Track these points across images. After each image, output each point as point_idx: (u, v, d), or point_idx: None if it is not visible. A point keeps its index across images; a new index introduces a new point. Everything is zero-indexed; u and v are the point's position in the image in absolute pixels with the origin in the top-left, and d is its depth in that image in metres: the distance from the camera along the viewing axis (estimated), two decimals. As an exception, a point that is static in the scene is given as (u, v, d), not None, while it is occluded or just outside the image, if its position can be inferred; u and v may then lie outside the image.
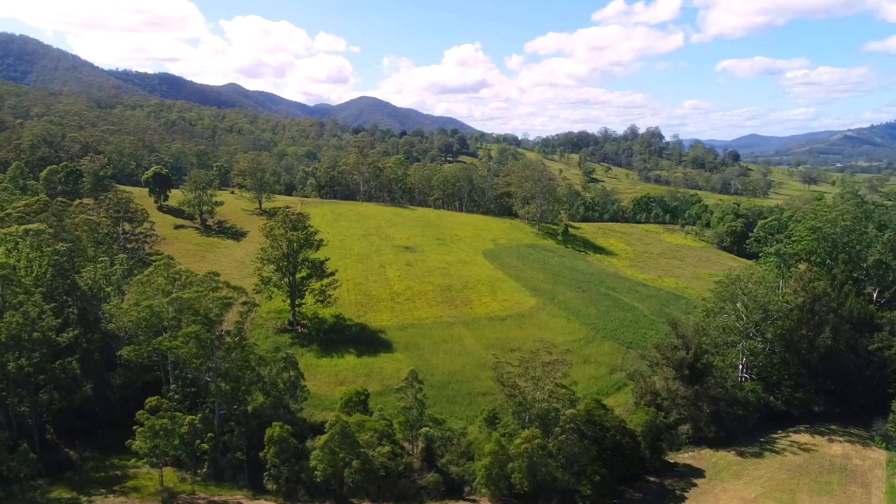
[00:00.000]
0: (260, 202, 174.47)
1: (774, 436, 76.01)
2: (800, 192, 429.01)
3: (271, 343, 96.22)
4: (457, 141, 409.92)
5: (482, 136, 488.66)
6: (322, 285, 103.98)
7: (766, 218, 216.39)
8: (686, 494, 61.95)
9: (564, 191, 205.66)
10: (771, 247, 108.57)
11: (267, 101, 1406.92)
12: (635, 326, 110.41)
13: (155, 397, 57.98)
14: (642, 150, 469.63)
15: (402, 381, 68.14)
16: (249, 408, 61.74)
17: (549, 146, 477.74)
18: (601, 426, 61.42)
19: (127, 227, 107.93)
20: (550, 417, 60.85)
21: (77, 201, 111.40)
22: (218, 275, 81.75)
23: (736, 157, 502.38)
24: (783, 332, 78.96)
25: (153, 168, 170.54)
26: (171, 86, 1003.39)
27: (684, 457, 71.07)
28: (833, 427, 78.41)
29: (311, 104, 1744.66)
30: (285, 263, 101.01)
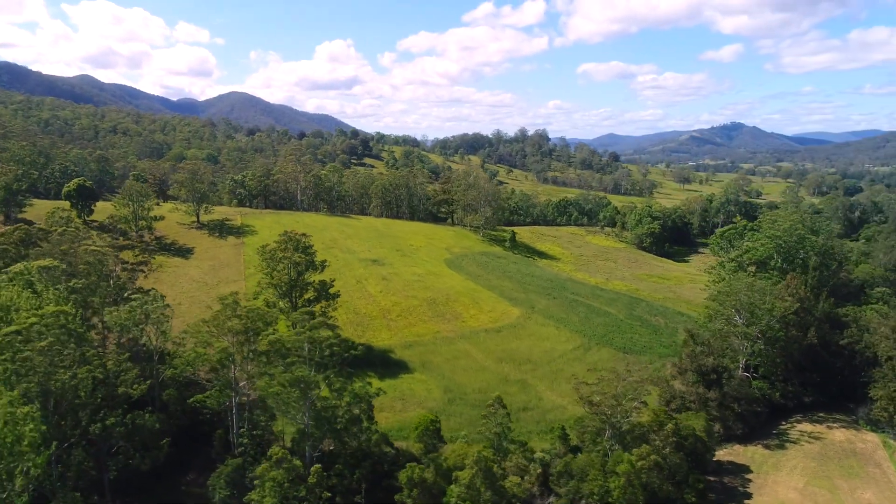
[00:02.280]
0: (198, 215, 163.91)
1: (782, 427, 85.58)
2: (676, 190, 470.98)
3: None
4: (359, 143, 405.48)
5: (382, 138, 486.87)
6: (321, 307, 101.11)
7: (673, 217, 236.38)
8: (748, 490, 68.71)
9: (506, 198, 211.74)
10: (731, 253, 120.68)
11: (125, 94, 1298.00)
12: (618, 331, 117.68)
13: (277, 448, 54.59)
14: (534, 151, 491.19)
15: (486, 407, 69.01)
16: (352, 446, 59.81)
17: (447, 148, 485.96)
18: (681, 435, 66.42)
19: (129, 255, 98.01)
20: (637, 433, 64.80)
21: (35, 226, 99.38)
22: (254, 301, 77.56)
23: (616, 157, 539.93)
24: (779, 333, 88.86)
25: (76, 180, 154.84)
26: (12, 76, 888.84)
27: (721, 454, 78.23)
28: (822, 415, 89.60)
29: (175, 98, 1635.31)
30: (287, 287, 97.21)
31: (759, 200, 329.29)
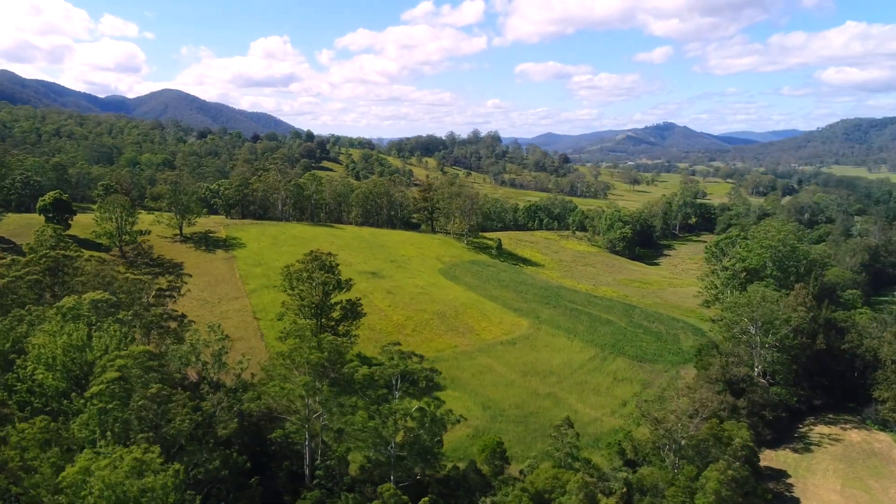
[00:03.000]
0: (181, 228, 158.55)
1: (801, 431, 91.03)
2: (627, 191, 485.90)
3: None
4: (316, 146, 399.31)
5: (337, 140, 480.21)
6: (346, 327, 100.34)
7: (639, 220, 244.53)
8: (794, 494, 73.03)
9: (491, 204, 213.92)
10: (728, 261, 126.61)
11: (49, 91, 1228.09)
12: (625, 339, 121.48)
13: (387, 485, 54.17)
14: (488, 154, 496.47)
15: (553, 429, 70.55)
16: (444, 473, 60.07)
17: (402, 150, 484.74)
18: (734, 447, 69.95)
19: (163, 281, 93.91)
20: (703, 447, 67.84)
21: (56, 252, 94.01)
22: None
23: (566, 160, 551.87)
24: (794, 342, 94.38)
25: (51, 193, 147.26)
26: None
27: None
28: (831, 416, 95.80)
29: (102, 95, 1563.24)
30: (316, 309, 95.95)
31: (710, 202, 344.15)
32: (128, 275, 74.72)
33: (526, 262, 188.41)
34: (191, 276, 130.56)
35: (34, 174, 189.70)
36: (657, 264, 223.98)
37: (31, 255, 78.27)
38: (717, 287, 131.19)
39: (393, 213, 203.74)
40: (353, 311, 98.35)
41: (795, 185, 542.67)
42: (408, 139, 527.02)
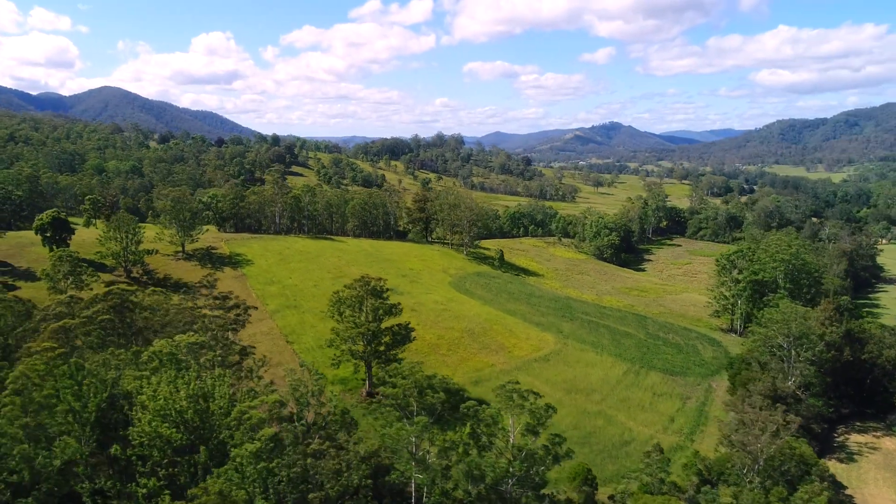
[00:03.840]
0: (183, 245, 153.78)
1: (838, 441, 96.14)
2: (592, 193, 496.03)
3: (373, 423, 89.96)
4: (285, 150, 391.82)
5: (303, 144, 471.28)
6: (396, 351, 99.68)
7: (621, 225, 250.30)
8: (857, 505, 77.44)
9: (483, 214, 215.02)
10: (739, 273, 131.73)
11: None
12: (650, 352, 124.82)
13: None
14: (454, 157, 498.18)
15: (645, 454, 72.35)
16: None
17: (368, 153, 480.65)
18: (807, 462, 73.53)
19: (231, 314, 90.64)
20: (785, 468, 70.98)
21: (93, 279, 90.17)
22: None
23: (528, 161, 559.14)
24: (826, 355, 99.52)
25: (49, 212, 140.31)
26: None
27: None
28: (859, 424, 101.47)
29: (34, 92, 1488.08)
30: (370, 336, 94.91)
31: (678, 205, 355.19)
32: (204, 311, 72.23)
33: (525, 272, 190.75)
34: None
35: (14, 188, 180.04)
36: (643, 270, 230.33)
37: (95, 293, 74.43)
38: (727, 298, 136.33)
39: (388, 223, 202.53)
40: (405, 336, 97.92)
41: (745, 185, 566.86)
42: (373, 142, 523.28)
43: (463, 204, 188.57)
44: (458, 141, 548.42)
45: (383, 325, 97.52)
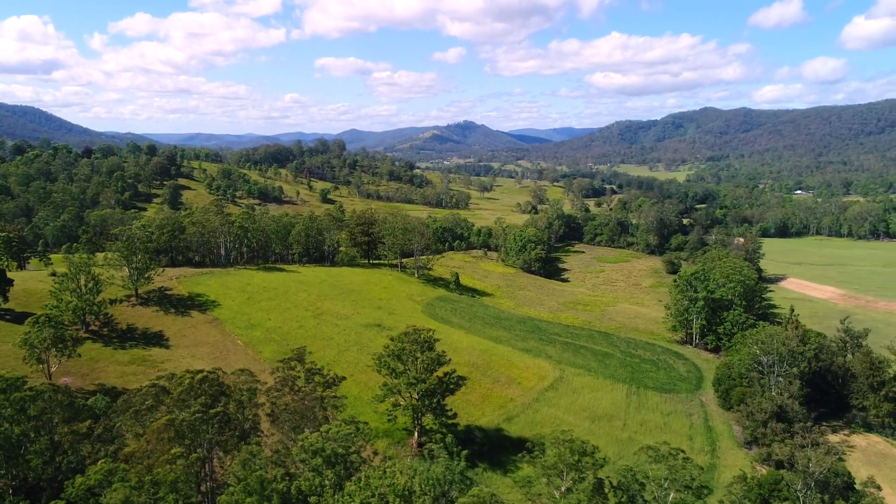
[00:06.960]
0: (136, 289, 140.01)
1: (819, 441, 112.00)
2: (481, 199, 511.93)
3: (428, 475, 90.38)
4: (165, 160, 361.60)
5: (182, 153, 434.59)
6: (447, 400, 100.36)
7: (537, 237, 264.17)
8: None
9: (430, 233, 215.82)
10: (696, 293, 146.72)
11: None
12: (635, 371, 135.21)
13: None
14: (340, 164, 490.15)
15: (725, 489, 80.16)
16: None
17: (249, 160, 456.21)
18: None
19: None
20: (831, 483, 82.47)
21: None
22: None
23: (411, 166, 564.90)
24: (805, 367, 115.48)
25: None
26: None
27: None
28: (825, 424, 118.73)
29: None
30: (425, 389, 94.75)
31: (572, 213, 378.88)
32: (318, 392, 68.40)
33: (476, 292, 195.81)
34: (171, 344, 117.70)
35: None
36: (567, 280, 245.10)
37: (186, 376, 66.91)
38: (683, 314, 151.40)
39: (331, 248, 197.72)
40: (454, 386, 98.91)
41: (607, 186, 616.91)
42: (255, 149, 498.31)
43: (415, 229, 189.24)
44: (340, 146, 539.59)
45: (434, 377, 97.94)
